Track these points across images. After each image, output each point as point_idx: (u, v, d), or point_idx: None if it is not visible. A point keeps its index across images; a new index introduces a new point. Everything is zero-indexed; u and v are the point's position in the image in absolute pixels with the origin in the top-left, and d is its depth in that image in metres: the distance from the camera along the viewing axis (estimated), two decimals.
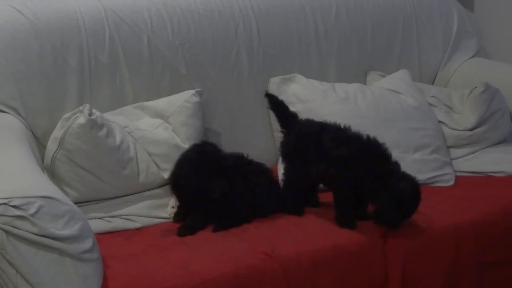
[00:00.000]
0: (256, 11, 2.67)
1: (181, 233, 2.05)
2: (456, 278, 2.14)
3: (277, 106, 2.32)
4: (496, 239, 2.20)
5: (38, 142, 2.27)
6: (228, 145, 2.44)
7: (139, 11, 2.47)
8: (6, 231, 1.57)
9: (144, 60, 2.44)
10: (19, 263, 1.59)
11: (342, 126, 2.19)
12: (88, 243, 1.67)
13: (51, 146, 2.18)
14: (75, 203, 1.79)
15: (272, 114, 2.44)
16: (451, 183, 2.51)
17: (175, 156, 2.26)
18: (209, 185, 2.04)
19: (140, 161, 2.23)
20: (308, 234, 2.03)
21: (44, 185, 1.72)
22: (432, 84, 3.03)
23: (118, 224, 2.14)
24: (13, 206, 1.57)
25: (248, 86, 2.63)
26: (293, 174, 2.21)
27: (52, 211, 1.62)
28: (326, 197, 2.23)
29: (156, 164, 2.26)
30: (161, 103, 2.40)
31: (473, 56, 3.08)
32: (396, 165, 2.10)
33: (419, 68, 3.01)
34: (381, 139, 2.13)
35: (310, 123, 2.24)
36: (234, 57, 2.60)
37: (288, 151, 2.23)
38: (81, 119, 2.11)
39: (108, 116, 2.26)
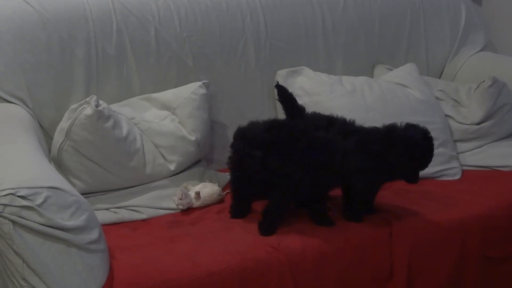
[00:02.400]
0: (264, 3, 2.67)
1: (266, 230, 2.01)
2: (461, 272, 2.13)
3: (286, 98, 2.31)
4: (502, 234, 2.20)
5: (45, 133, 2.27)
6: None
7: (146, 2, 2.47)
8: (13, 221, 1.58)
9: (151, 52, 2.44)
10: (26, 253, 1.59)
11: (347, 120, 2.18)
12: (94, 234, 1.67)
13: (58, 137, 2.18)
14: (82, 194, 1.80)
15: (279, 107, 2.43)
16: (457, 177, 2.51)
17: (181, 147, 2.27)
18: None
19: (146, 152, 2.23)
20: (314, 227, 2.03)
21: (51, 176, 1.72)
22: (440, 78, 3.03)
23: (124, 215, 2.14)
24: (20, 197, 1.58)
25: (255, 79, 2.62)
26: None
27: (58, 202, 1.62)
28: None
29: (163, 156, 2.27)
30: (167, 94, 2.40)
31: (480, 50, 3.07)
32: (395, 124, 2.04)
33: (426, 61, 3.00)
34: None
35: (317, 116, 2.24)
36: (241, 50, 2.60)
37: None
38: (88, 110, 2.11)
39: (115, 107, 2.26)
